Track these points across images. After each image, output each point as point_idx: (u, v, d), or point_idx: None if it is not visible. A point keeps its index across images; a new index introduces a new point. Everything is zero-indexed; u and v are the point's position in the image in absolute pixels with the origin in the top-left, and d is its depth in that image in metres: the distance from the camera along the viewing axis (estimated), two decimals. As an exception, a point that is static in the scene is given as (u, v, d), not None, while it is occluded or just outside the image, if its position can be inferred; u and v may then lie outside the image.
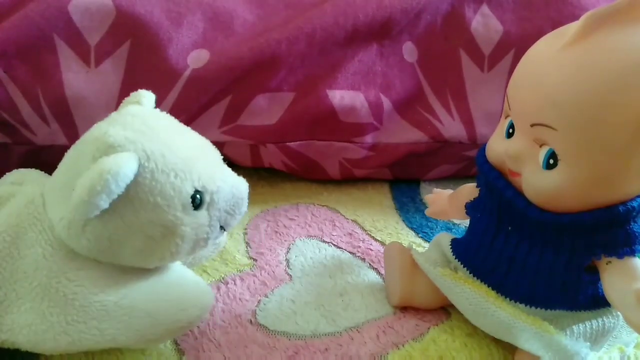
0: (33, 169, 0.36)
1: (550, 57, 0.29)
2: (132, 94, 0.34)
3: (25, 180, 0.33)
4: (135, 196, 0.28)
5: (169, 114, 0.33)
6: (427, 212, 0.43)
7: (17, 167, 0.36)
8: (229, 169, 0.33)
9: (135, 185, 0.28)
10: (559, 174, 0.29)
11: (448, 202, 0.40)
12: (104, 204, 0.27)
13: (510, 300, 0.34)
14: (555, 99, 0.28)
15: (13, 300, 0.30)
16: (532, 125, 0.29)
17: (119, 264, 0.31)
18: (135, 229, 0.29)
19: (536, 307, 0.33)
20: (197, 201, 0.30)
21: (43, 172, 0.36)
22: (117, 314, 0.30)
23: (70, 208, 0.27)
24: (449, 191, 0.41)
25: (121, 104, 0.33)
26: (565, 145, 0.28)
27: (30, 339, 0.29)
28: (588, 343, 0.32)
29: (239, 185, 0.33)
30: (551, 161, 0.29)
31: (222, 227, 0.33)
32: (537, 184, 0.30)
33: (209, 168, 0.31)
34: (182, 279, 0.34)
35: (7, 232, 0.30)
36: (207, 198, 0.31)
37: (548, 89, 0.28)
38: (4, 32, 0.46)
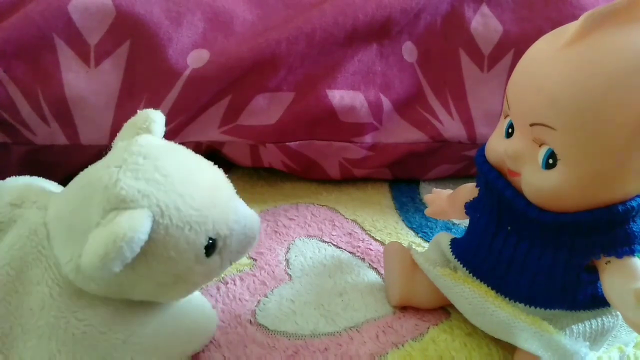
0: (30, 178, 0.34)
1: (549, 57, 0.29)
2: (141, 116, 0.31)
3: (25, 201, 0.31)
4: (148, 250, 0.27)
5: (179, 144, 0.31)
6: (426, 212, 0.43)
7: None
8: (242, 204, 0.32)
9: (148, 241, 0.26)
10: (558, 173, 0.29)
11: (447, 202, 0.40)
12: (117, 269, 0.25)
13: (510, 299, 0.34)
14: (554, 98, 0.28)
15: (19, 335, 0.29)
16: (531, 125, 0.29)
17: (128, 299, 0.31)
18: (147, 278, 0.28)
19: (536, 307, 0.33)
20: (210, 250, 0.29)
21: (41, 177, 0.35)
22: (125, 350, 0.30)
23: (81, 264, 0.26)
24: (448, 191, 0.41)
25: (128, 127, 0.32)
26: (564, 145, 0.28)
27: None
28: (587, 342, 0.32)
29: (252, 224, 0.32)
30: (550, 161, 0.29)
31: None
32: (537, 183, 0.30)
33: (223, 211, 0.30)
34: (188, 307, 0.34)
35: (11, 265, 0.29)
36: (220, 244, 0.30)
37: (547, 88, 0.28)
38: (4, 32, 0.46)
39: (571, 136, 0.28)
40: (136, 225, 0.25)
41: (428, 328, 0.38)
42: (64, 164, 0.51)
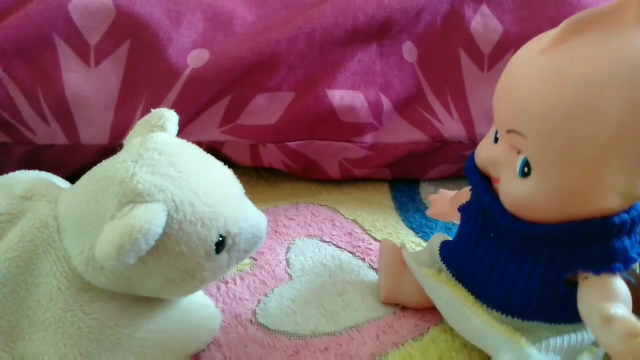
0: (39, 172, 0.34)
1: (525, 62, 0.28)
2: (155, 114, 0.32)
3: (35, 194, 0.31)
4: (161, 245, 0.27)
5: (191, 143, 0.32)
6: (428, 212, 0.43)
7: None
8: (250, 204, 0.33)
9: (161, 235, 0.27)
10: (531, 183, 0.28)
11: (449, 204, 0.40)
12: (132, 261, 0.26)
13: (487, 307, 0.33)
14: (525, 105, 0.27)
15: (25, 326, 0.29)
16: (507, 132, 0.29)
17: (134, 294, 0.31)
18: (156, 272, 0.28)
19: (512, 317, 0.32)
20: (219, 247, 0.30)
21: (47, 172, 0.35)
22: (130, 345, 0.30)
23: (96, 254, 0.26)
24: (454, 193, 0.41)
25: (142, 124, 0.32)
26: (535, 153, 0.28)
27: None
28: (558, 357, 0.31)
29: (260, 224, 0.32)
30: (526, 169, 0.28)
31: None
32: (511, 191, 0.30)
33: (233, 210, 0.30)
34: (193, 304, 0.34)
35: (22, 257, 0.29)
36: (229, 241, 0.30)
37: (519, 94, 0.28)
38: (4, 31, 0.46)
39: (541, 145, 0.27)
40: (152, 218, 0.26)
41: (428, 328, 0.38)
42: (64, 163, 0.51)
